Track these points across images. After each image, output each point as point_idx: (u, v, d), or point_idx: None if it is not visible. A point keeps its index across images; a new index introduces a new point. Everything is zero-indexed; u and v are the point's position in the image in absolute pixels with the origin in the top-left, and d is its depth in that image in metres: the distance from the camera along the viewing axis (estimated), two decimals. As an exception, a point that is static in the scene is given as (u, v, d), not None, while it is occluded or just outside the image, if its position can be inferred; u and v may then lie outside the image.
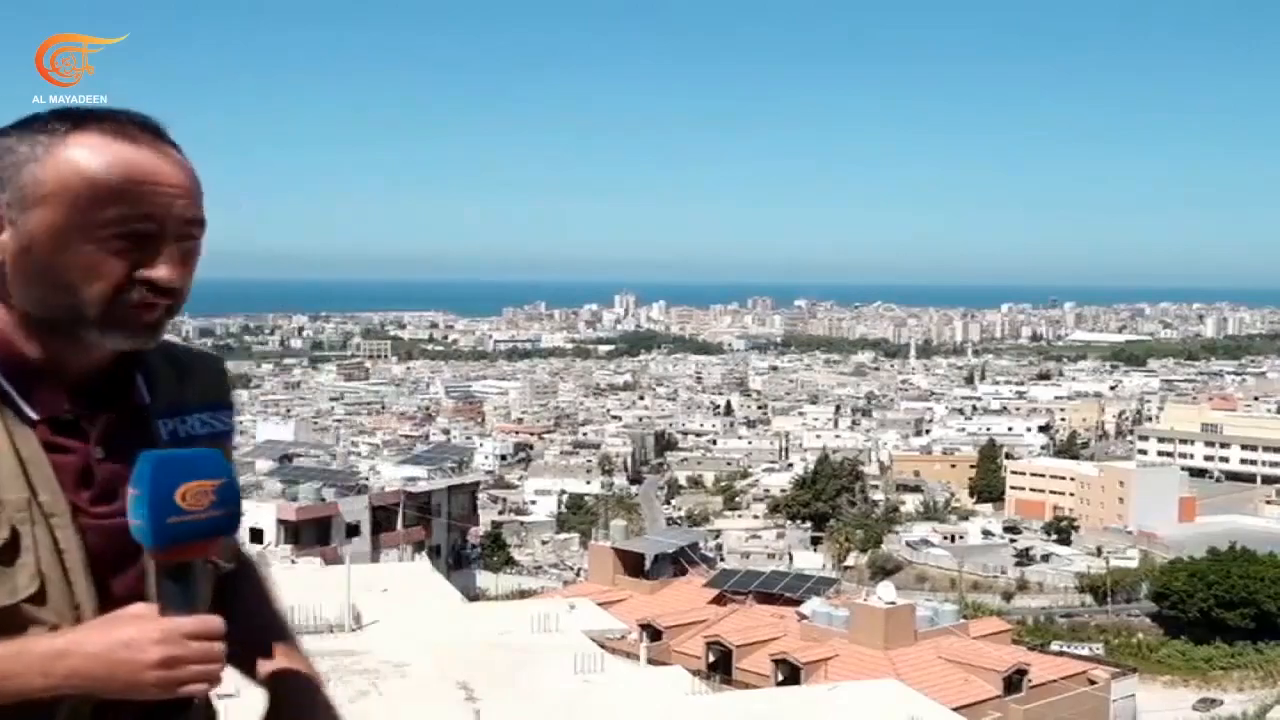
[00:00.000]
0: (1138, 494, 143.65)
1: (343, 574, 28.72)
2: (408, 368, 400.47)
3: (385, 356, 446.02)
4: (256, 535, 65.62)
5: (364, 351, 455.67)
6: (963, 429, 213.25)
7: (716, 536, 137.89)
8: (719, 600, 55.71)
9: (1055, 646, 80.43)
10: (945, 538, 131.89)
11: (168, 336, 2.11)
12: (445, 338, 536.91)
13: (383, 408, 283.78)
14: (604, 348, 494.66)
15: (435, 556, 73.22)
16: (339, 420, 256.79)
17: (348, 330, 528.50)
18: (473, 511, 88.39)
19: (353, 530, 71.69)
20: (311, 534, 68.92)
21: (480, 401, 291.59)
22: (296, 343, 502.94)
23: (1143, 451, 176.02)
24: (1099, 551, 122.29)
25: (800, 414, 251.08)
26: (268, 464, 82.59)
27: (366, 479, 79.35)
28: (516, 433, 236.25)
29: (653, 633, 49.79)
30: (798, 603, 52.83)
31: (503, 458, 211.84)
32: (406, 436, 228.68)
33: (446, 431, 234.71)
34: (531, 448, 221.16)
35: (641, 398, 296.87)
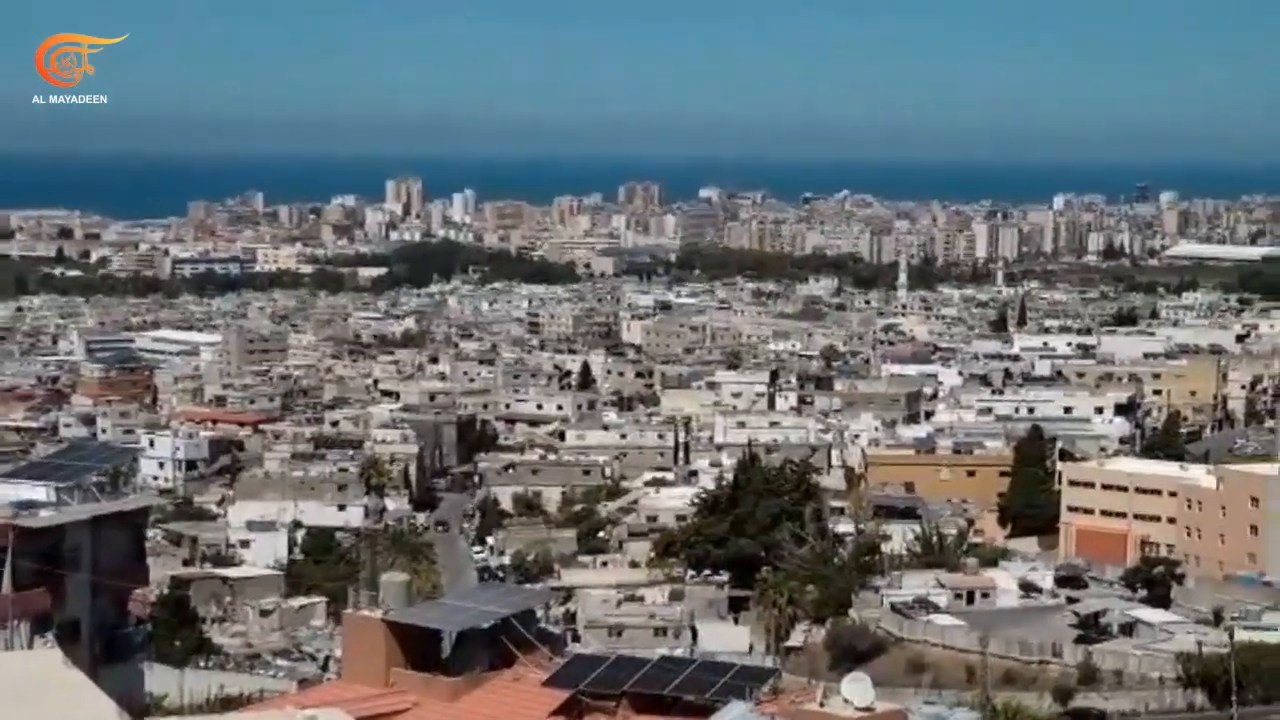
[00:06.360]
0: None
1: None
2: (18, 309, 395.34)
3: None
4: None
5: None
6: (989, 410, 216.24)
7: (566, 598, 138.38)
8: (570, 710, 56.06)
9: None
10: (958, 596, 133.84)
11: None
12: (85, 256, 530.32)
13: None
14: (368, 272, 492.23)
15: (72, 639, 72.47)
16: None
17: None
18: (138, 561, 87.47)
19: (-79, 596, 70.70)
20: None
21: (149, 368, 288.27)
22: None
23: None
24: (1217, 618, 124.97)
25: (711, 386, 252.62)
26: None
27: (-55, 505, 78.15)
28: (214, 422, 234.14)
29: (456, 767, 50.01)
30: (707, 712, 53.33)
31: (190, 466, 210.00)
32: (18, 429, 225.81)
33: (90, 421, 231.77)
34: (241, 448, 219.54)
35: (434, 359, 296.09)
